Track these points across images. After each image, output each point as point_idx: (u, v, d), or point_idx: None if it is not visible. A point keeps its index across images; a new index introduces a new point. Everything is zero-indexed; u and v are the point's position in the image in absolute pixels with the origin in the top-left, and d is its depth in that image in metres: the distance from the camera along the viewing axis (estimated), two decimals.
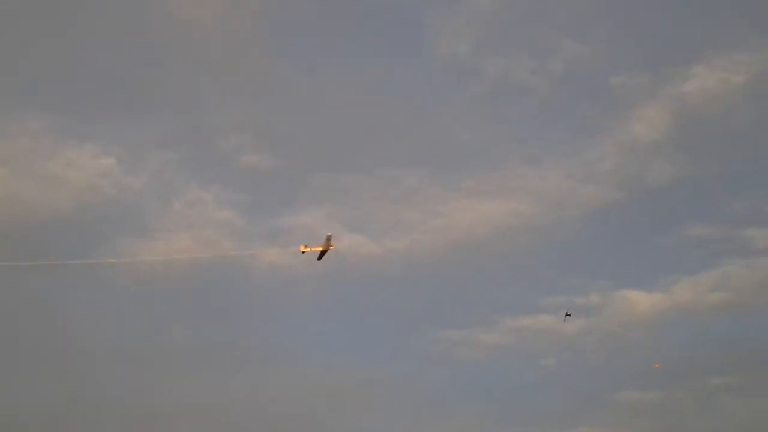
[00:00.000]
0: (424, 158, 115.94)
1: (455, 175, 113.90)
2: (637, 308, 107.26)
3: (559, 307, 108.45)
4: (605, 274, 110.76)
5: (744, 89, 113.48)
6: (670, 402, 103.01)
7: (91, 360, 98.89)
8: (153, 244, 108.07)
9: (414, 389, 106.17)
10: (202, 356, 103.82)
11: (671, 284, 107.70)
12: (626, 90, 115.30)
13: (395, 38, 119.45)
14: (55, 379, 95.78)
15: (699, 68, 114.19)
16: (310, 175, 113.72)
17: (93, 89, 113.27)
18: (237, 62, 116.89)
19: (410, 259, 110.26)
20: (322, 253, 78.42)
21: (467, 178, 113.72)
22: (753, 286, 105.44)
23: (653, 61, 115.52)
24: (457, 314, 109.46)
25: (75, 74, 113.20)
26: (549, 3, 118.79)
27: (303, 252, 78.77)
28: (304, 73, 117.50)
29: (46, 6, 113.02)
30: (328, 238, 78.12)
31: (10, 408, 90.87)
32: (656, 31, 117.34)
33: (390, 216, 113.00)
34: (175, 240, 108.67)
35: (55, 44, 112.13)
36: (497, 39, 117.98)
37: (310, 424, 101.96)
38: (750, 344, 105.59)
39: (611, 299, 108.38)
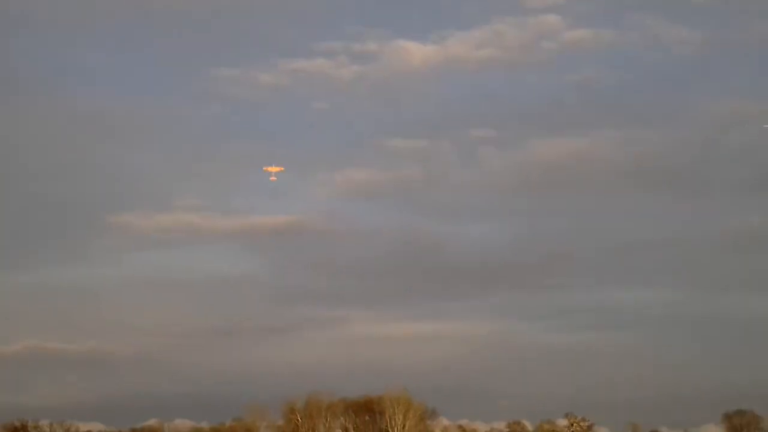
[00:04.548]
0: None
1: None
2: (412, 59, 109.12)
3: (335, 53, 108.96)
4: (383, 23, 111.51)
5: None
6: (435, 150, 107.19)
7: None
8: None
9: (189, 125, 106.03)
10: None
11: (445, 38, 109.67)
12: None
13: None
14: None
15: None
16: None
17: None
18: None
19: None
20: None
21: None
22: (521, 44, 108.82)
23: None
24: (234, 53, 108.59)
25: None
26: None
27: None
28: None
29: None
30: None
31: None
32: None
33: None
34: None
35: None
36: None
37: (78, 158, 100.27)
38: (512, 100, 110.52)
39: (387, 48, 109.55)
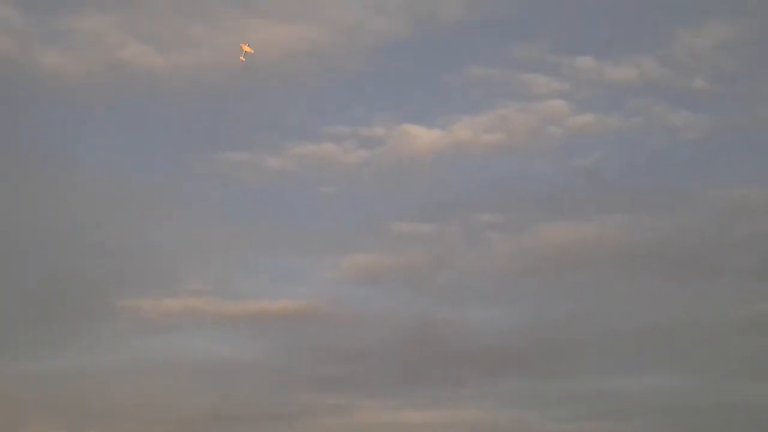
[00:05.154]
0: None
1: None
2: (418, 143, 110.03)
3: (343, 137, 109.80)
4: (390, 108, 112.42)
5: None
6: (441, 235, 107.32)
7: None
8: None
9: (195, 207, 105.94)
10: None
11: (452, 122, 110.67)
12: None
13: None
14: None
15: None
16: None
17: None
18: None
19: (196, 76, 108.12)
20: None
21: None
22: (527, 130, 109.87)
23: None
24: (242, 136, 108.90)
25: None
26: None
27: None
28: None
29: None
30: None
31: None
32: None
33: (178, 28, 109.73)
34: None
35: None
36: None
37: (83, 235, 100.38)
38: (519, 185, 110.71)
39: (394, 132, 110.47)
